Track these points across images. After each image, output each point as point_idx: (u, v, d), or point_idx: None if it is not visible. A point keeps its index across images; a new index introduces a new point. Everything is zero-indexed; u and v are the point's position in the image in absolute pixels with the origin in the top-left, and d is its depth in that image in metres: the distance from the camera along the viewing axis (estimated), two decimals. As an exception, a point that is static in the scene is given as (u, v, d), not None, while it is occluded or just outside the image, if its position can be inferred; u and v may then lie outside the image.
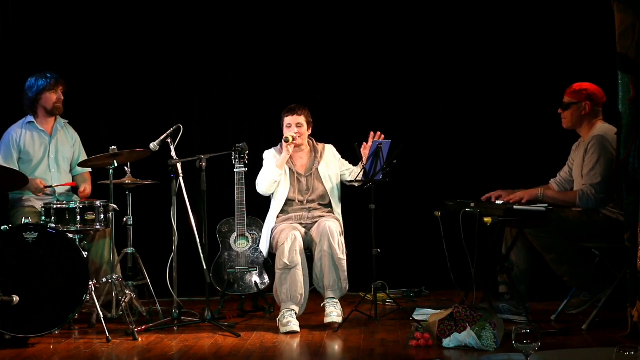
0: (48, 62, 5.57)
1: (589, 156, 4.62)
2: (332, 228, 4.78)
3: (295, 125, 5.06)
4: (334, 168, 5.15)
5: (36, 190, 5.08)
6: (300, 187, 5.08)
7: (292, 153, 5.10)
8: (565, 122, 4.80)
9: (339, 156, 5.24)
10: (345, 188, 5.24)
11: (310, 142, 5.21)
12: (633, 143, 4.12)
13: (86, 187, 5.28)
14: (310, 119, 5.14)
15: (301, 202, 5.07)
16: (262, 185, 5.06)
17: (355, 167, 5.18)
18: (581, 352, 3.79)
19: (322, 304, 4.77)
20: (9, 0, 5.83)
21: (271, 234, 5.02)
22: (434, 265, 5.60)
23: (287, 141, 4.98)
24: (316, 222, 4.97)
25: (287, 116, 5.11)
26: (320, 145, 5.21)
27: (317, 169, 5.12)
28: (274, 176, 5.01)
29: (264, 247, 5.11)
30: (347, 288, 4.83)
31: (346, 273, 4.78)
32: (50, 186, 5.14)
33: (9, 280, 4.35)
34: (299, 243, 4.78)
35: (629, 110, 4.17)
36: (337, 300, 4.75)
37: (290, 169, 5.10)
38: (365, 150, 4.95)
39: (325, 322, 4.64)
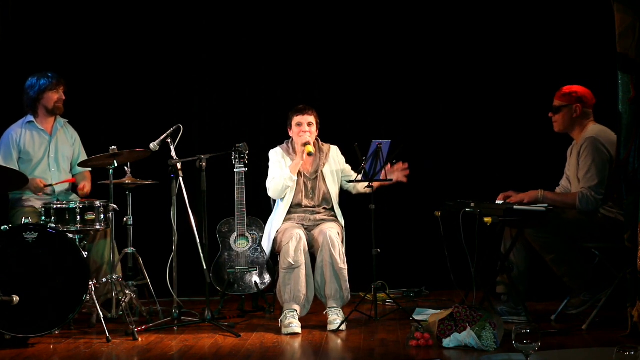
0: (48, 62, 5.57)
1: (582, 159, 4.62)
2: (333, 237, 4.77)
3: (307, 125, 5.04)
4: (337, 170, 5.14)
5: (36, 190, 5.08)
6: (306, 190, 5.08)
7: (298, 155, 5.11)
8: (556, 125, 4.80)
9: (343, 159, 5.23)
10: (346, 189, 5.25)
11: (316, 142, 5.19)
12: (633, 143, 4.12)
13: (85, 184, 5.28)
14: (318, 120, 5.12)
15: (308, 206, 5.07)
16: (275, 191, 5.03)
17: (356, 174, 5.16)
18: (581, 352, 3.78)
19: (324, 312, 4.77)
20: (9, 1, 5.83)
21: (274, 234, 5.01)
22: (434, 265, 5.61)
23: (310, 155, 4.95)
24: (318, 224, 4.97)
25: (297, 115, 5.06)
26: (325, 146, 5.19)
27: (322, 170, 5.11)
28: (287, 182, 4.97)
29: (266, 246, 5.11)
30: (349, 297, 4.82)
31: (347, 283, 4.78)
32: (50, 185, 5.14)
33: (9, 280, 4.36)
34: (304, 243, 4.78)
35: (629, 110, 4.17)
36: (339, 309, 4.74)
37: (299, 171, 5.08)
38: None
39: (328, 329, 4.63)
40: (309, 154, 4.95)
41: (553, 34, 5.95)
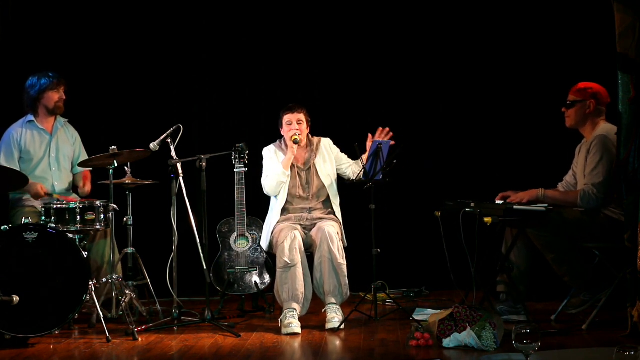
0: (48, 62, 5.57)
1: (591, 156, 4.61)
2: (331, 233, 4.77)
3: (296, 122, 5.07)
4: (330, 161, 5.15)
5: (36, 196, 5.07)
6: (301, 181, 5.09)
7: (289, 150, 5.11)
8: (568, 120, 4.79)
9: (337, 150, 5.24)
10: (345, 187, 5.24)
11: (307, 138, 5.22)
12: (633, 143, 4.12)
13: (86, 183, 5.28)
14: (308, 118, 5.15)
15: (302, 197, 5.07)
16: (270, 187, 5.06)
17: (354, 162, 5.17)
18: (581, 352, 3.78)
19: (323, 310, 4.77)
20: (9, 1, 5.83)
21: (271, 233, 5.02)
22: (434, 265, 5.60)
23: (296, 143, 4.97)
24: (316, 223, 4.98)
25: (286, 114, 5.11)
26: (315, 139, 5.22)
27: (314, 162, 5.13)
28: (281, 178, 5.01)
29: (264, 243, 5.11)
30: (348, 294, 4.82)
31: (347, 278, 4.78)
32: (50, 194, 5.13)
33: (9, 280, 4.36)
34: (299, 241, 4.78)
35: (629, 110, 4.17)
36: (338, 306, 4.74)
37: (291, 164, 5.10)
38: (370, 143, 4.95)
39: (326, 327, 4.63)
40: (295, 142, 4.97)
41: (553, 34, 5.95)
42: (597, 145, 4.59)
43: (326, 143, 5.22)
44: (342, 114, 6.20)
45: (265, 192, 5.13)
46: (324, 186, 5.10)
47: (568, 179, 4.91)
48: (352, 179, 5.07)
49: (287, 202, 5.08)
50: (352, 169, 5.16)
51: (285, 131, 5.12)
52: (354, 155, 5.13)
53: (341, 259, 4.78)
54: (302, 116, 5.10)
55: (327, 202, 5.12)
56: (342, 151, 5.26)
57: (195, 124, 6.17)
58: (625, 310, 4.21)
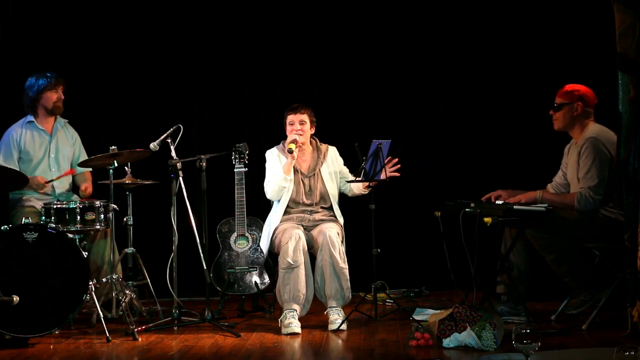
0: (48, 62, 5.57)
1: (583, 159, 4.61)
2: (332, 237, 4.76)
3: (299, 123, 5.05)
4: (335, 171, 5.15)
5: (38, 187, 5.08)
6: (304, 189, 5.08)
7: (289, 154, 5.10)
8: (556, 123, 4.80)
9: (342, 161, 5.24)
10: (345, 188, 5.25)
11: (314, 141, 5.20)
12: (633, 143, 4.12)
13: (87, 186, 5.28)
14: (313, 118, 5.13)
15: (305, 204, 5.06)
16: (272, 192, 5.04)
17: (348, 184, 5.14)
18: (581, 352, 3.79)
19: (325, 312, 4.76)
20: (9, 1, 5.83)
21: (273, 234, 5.02)
22: (434, 265, 5.60)
23: (290, 152, 4.94)
24: (317, 224, 4.97)
25: (289, 114, 5.09)
26: (323, 146, 5.20)
27: (320, 169, 5.12)
28: (282, 183, 4.99)
29: (264, 245, 5.11)
30: (350, 297, 4.82)
31: (349, 282, 4.78)
32: (51, 180, 5.13)
33: (9, 280, 4.36)
34: (303, 242, 4.78)
35: (629, 110, 4.17)
36: (340, 309, 4.74)
37: (295, 169, 5.08)
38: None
39: (329, 329, 4.63)
40: (289, 151, 4.94)
41: (553, 34, 5.95)
42: (589, 147, 4.59)
43: (333, 153, 5.20)
44: (342, 114, 6.19)
45: (267, 197, 5.12)
46: (327, 194, 5.09)
47: (557, 180, 4.91)
48: (351, 180, 5.05)
49: (288, 206, 5.07)
50: (348, 187, 5.14)
51: (288, 131, 5.10)
52: (353, 157, 5.12)
53: (343, 263, 4.77)
54: (305, 117, 5.08)
55: (329, 209, 5.12)
56: (342, 151, 5.26)
57: (195, 124, 6.17)
58: (625, 310, 4.21)
